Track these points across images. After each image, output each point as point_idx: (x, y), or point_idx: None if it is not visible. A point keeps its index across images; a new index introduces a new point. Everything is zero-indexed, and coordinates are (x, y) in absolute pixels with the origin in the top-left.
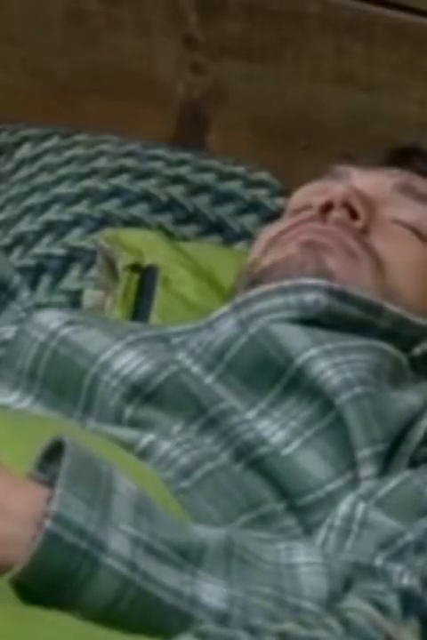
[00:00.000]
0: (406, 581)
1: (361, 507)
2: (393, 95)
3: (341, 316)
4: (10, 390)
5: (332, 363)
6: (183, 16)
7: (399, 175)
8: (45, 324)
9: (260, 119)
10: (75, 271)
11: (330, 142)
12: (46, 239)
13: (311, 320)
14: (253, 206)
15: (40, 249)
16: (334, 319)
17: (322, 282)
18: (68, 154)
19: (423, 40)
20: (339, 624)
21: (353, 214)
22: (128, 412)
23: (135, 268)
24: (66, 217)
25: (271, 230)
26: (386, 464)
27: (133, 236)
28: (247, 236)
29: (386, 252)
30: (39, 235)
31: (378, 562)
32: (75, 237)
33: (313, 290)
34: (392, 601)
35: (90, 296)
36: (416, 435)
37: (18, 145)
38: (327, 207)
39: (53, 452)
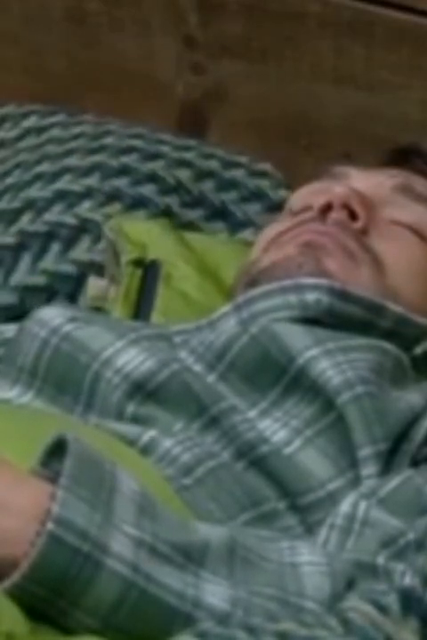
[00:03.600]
0: (407, 580)
1: (363, 506)
2: (393, 95)
3: (342, 316)
4: (11, 386)
5: (333, 362)
6: (183, 16)
7: (399, 175)
8: (47, 321)
9: (260, 119)
10: (84, 242)
11: (330, 142)
12: (57, 207)
13: (313, 319)
14: (257, 195)
15: (51, 216)
16: (336, 318)
17: (323, 281)
18: (75, 130)
19: (423, 40)
20: (339, 624)
21: (353, 215)
22: (130, 409)
23: (138, 262)
24: (77, 188)
25: (271, 231)
26: (387, 463)
27: (138, 228)
28: (251, 224)
29: (386, 252)
30: (50, 202)
31: (380, 561)
32: (85, 209)
33: (314, 289)
34: (392, 601)
35: (94, 285)
36: (418, 434)
37: (25, 116)
38: (327, 208)
39: (56, 449)
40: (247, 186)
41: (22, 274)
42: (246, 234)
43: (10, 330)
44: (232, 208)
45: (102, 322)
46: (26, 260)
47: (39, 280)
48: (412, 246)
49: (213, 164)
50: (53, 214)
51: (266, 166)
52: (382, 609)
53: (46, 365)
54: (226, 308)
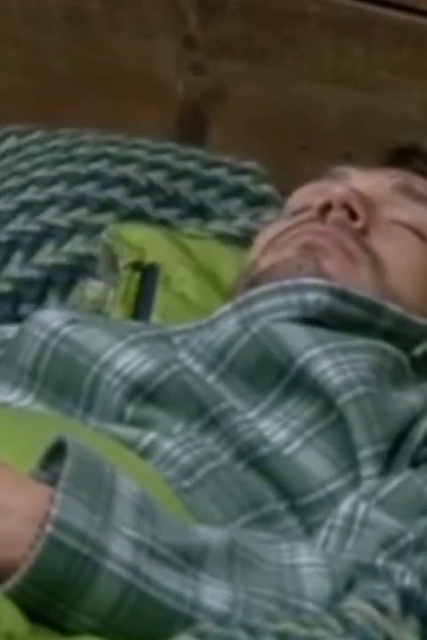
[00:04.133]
0: (407, 581)
1: (362, 506)
2: (393, 95)
3: (342, 316)
4: (11, 389)
5: (333, 362)
6: (183, 16)
7: (399, 175)
8: (47, 323)
9: (260, 119)
10: (48, 246)
11: (330, 142)
12: (21, 217)
13: (313, 319)
14: (237, 191)
15: (15, 226)
16: (336, 319)
17: (324, 281)
18: (50, 144)
19: (423, 40)
20: (339, 624)
21: (352, 215)
22: (130, 411)
23: (136, 266)
24: (41, 197)
25: (270, 232)
26: (387, 464)
27: (135, 233)
28: (230, 217)
29: (386, 252)
30: (14, 213)
31: (380, 561)
32: (50, 215)
33: (315, 289)
34: (392, 601)
35: (92, 288)
36: (417, 435)
37: (2, 139)
38: (326, 208)
39: (56, 452)
40: (228, 183)
41: None
42: (216, 225)
43: (10, 330)
44: (210, 205)
45: (102, 324)
46: None
47: (4, 287)
48: (412, 246)
49: (190, 165)
50: (17, 224)
51: (251, 164)
52: (382, 609)
53: (46, 368)
54: (226, 307)
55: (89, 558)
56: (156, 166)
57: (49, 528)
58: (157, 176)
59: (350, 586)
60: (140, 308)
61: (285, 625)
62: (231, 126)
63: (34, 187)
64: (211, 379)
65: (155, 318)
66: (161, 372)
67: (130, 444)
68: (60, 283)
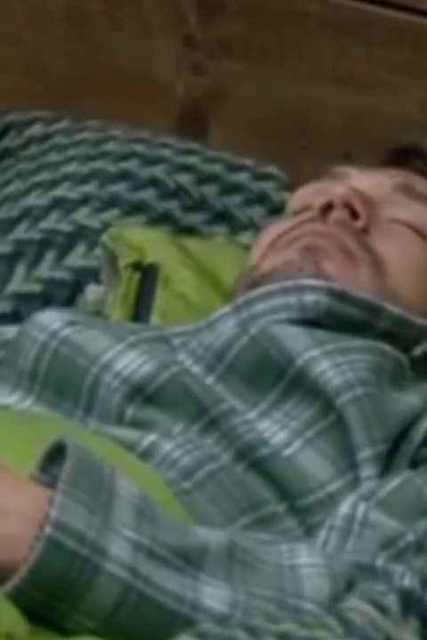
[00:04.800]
0: (407, 582)
1: (362, 507)
2: (393, 95)
3: (341, 317)
4: (11, 391)
5: (333, 363)
6: (183, 16)
7: (399, 175)
8: (46, 325)
9: (260, 119)
10: (80, 248)
11: (330, 142)
12: (54, 215)
13: (312, 321)
14: (260, 198)
15: (47, 224)
16: (335, 320)
17: (322, 283)
18: (78, 136)
19: (423, 40)
20: (339, 624)
21: (354, 214)
22: (129, 412)
23: (136, 266)
24: (74, 195)
25: (271, 233)
26: (387, 464)
27: (137, 234)
28: (253, 226)
29: (386, 251)
30: (47, 210)
31: (379, 562)
32: (82, 215)
33: (313, 290)
34: (392, 601)
35: (92, 291)
36: (417, 435)
37: (28, 123)
38: (328, 207)
39: (55, 453)
40: (251, 189)
41: (17, 282)
42: (245, 237)
43: (10, 331)
44: (235, 212)
45: (101, 325)
46: (21, 269)
47: (34, 287)
48: (412, 245)
49: (216, 168)
50: (49, 222)
51: (271, 169)
52: (382, 609)
53: (46, 369)
54: (225, 308)
55: (88, 559)
56: (183, 169)
57: (48, 529)
58: (185, 179)
59: (349, 586)
60: (140, 308)
61: (285, 625)
62: (231, 126)
63: (67, 183)
64: (210, 380)
65: (155, 319)
66: (161, 373)
67: (130, 446)
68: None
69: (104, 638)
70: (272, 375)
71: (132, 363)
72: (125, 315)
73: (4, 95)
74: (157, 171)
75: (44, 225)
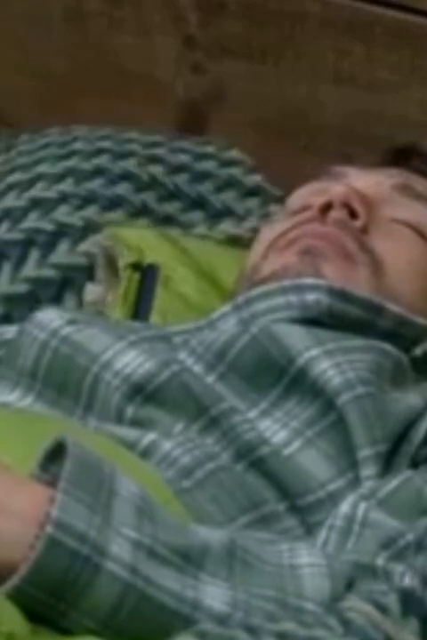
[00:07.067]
0: (407, 581)
1: (362, 507)
2: (393, 95)
3: (342, 316)
4: (11, 389)
5: (333, 363)
6: (183, 16)
7: (398, 175)
8: (46, 323)
9: (260, 119)
10: (64, 245)
11: (330, 142)
12: (33, 215)
13: (313, 320)
14: (230, 183)
15: (28, 223)
16: (335, 319)
17: (323, 282)
18: (41, 141)
19: (423, 40)
20: (339, 624)
21: (353, 214)
22: (129, 411)
23: (136, 266)
24: (51, 194)
25: (270, 233)
26: (387, 464)
27: (134, 235)
28: (229, 212)
29: (386, 251)
30: (26, 210)
31: (379, 562)
32: (62, 214)
33: (314, 289)
34: (392, 601)
35: (91, 291)
36: (417, 435)
37: None
38: (327, 207)
39: (56, 452)
40: (219, 176)
41: (4, 283)
42: (227, 225)
43: (10, 331)
44: (209, 197)
45: (101, 324)
46: (6, 270)
47: (21, 288)
48: (412, 244)
49: (183, 158)
50: (30, 221)
51: (234, 154)
52: (382, 609)
53: (46, 368)
54: (226, 307)
55: (89, 559)
56: (153, 160)
57: (49, 529)
58: (156, 170)
59: (350, 586)
60: (140, 308)
61: (285, 625)
62: (231, 126)
63: (41, 183)
64: (211, 379)
65: (155, 318)
66: (161, 372)
67: (130, 445)
68: (77, 283)
69: (104, 638)
70: (273, 374)
71: (132, 361)
72: (125, 314)
73: (3, 95)
74: (129, 165)
75: (25, 225)
